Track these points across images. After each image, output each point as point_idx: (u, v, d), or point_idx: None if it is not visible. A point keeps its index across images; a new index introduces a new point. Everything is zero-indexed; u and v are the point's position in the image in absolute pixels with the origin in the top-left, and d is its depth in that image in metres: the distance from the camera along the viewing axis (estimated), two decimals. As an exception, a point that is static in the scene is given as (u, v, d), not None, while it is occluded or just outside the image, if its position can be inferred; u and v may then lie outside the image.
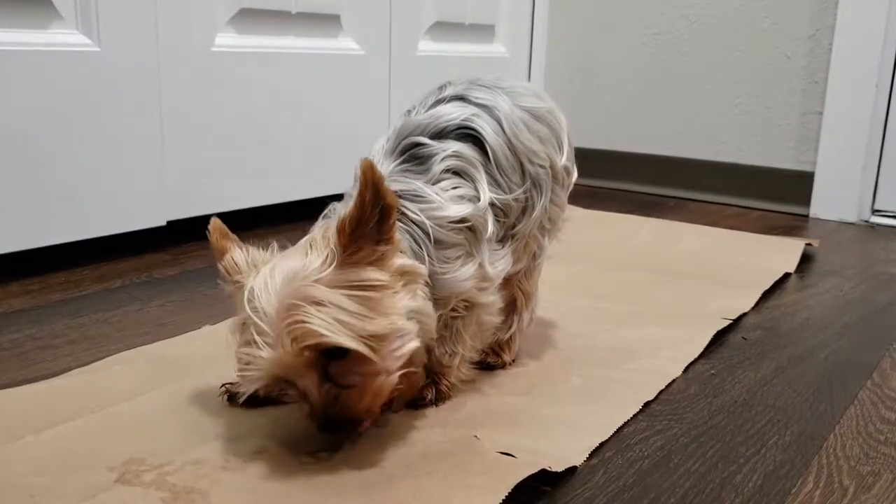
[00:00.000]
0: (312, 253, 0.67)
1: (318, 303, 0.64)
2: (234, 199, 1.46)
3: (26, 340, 0.96)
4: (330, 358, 0.66)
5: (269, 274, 0.67)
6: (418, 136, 0.78)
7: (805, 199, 1.91)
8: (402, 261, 0.69)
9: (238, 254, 0.72)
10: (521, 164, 0.82)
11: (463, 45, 1.95)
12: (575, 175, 0.92)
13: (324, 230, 0.69)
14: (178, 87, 1.34)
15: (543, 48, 2.18)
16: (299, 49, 1.54)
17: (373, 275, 0.67)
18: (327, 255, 0.66)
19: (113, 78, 1.25)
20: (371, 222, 0.66)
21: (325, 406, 0.67)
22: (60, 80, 1.18)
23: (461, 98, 0.82)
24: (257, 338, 0.65)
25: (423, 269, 0.72)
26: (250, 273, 0.69)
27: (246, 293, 0.67)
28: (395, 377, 0.69)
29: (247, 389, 0.68)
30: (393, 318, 0.68)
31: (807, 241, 1.54)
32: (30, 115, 1.16)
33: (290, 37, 1.53)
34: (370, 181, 0.64)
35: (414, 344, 0.69)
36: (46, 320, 1.03)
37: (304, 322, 0.63)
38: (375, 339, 0.66)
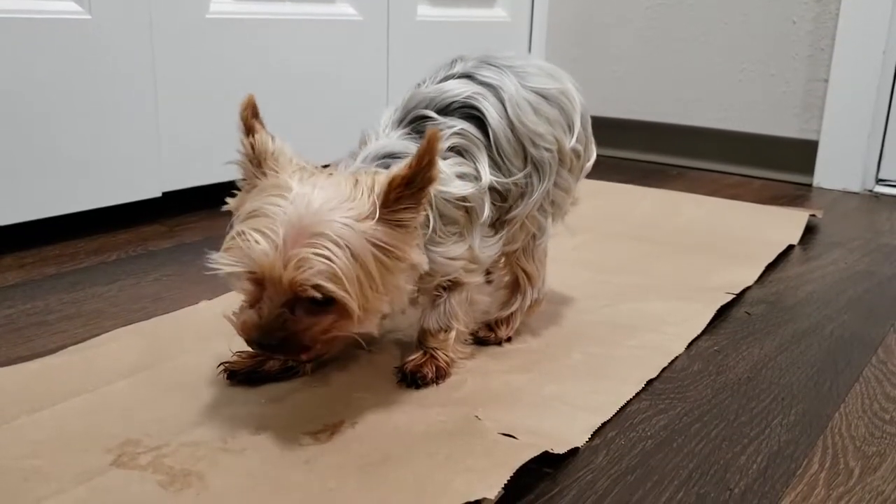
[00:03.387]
0: (357, 193, 0.66)
1: (352, 252, 0.64)
2: (231, 169, 1.43)
3: (20, 316, 0.95)
4: (311, 301, 0.65)
5: (313, 186, 0.66)
6: (424, 109, 0.78)
7: (808, 167, 1.89)
8: (418, 251, 0.70)
9: (267, 138, 0.70)
10: (524, 148, 0.81)
11: (463, 9, 1.91)
12: (592, 157, 0.91)
13: (371, 176, 0.68)
14: (173, 55, 1.31)
15: (545, 13, 2.14)
16: (296, 15, 1.51)
17: (399, 244, 0.67)
18: (371, 206, 0.65)
19: (105, 46, 1.22)
20: (417, 186, 0.66)
21: (272, 331, 0.66)
22: (51, 49, 1.16)
23: (469, 76, 0.81)
24: (269, 233, 0.63)
25: (426, 266, 0.71)
26: (280, 169, 0.68)
27: (283, 186, 0.65)
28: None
29: (217, 269, 0.66)
30: (390, 297, 0.69)
31: (811, 212, 1.52)
32: (20, 85, 1.13)
33: (286, 2, 1.50)
34: (433, 149, 0.64)
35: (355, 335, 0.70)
36: (41, 295, 1.02)
37: (329, 260, 0.63)
38: (367, 311, 0.67)
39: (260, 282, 0.66)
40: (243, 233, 0.65)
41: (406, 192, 0.66)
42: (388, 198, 0.66)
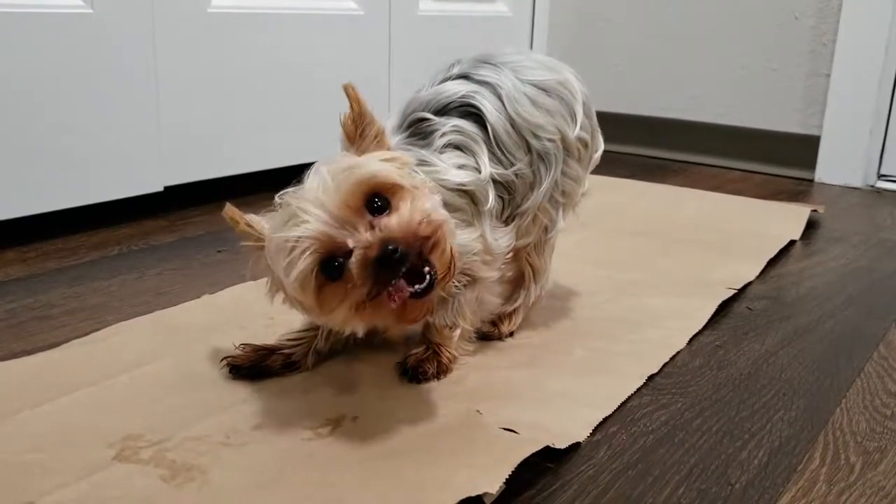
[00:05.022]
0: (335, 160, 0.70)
1: (365, 162, 0.68)
2: (232, 163, 1.44)
3: (23, 310, 0.95)
4: (373, 214, 0.65)
5: (305, 185, 0.68)
6: (422, 111, 0.79)
7: (810, 163, 1.89)
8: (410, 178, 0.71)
9: (255, 217, 0.72)
10: (526, 140, 0.81)
11: (465, 3, 1.90)
12: (600, 147, 0.92)
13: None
14: (174, 50, 1.31)
15: (546, 8, 2.13)
16: (297, 9, 1.50)
17: (388, 154, 0.71)
18: (349, 150, 0.71)
19: (107, 41, 1.21)
20: (367, 117, 0.71)
21: (384, 241, 0.62)
22: (53, 44, 1.15)
23: (465, 76, 0.82)
24: (308, 213, 0.64)
25: (427, 180, 0.73)
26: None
27: (288, 201, 0.67)
28: (430, 216, 0.66)
29: (298, 270, 0.64)
30: (418, 182, 0.70)
31: (812, 208, 1.52)
32: (21, 80, 1.13)
33: (287, -3, 1.50)
34: (350, 94, 0.73)
35: (445, 214, 0.68)
36: (43, 289, 1.02)
37: (358, 167, 0.66)
38: (417, 188, 0.68)
39: (332, 244, 0.64)
40: (290, 236, 0.64)
41: (364, 122, 0.72)
42: (349, 134, 0.71)
